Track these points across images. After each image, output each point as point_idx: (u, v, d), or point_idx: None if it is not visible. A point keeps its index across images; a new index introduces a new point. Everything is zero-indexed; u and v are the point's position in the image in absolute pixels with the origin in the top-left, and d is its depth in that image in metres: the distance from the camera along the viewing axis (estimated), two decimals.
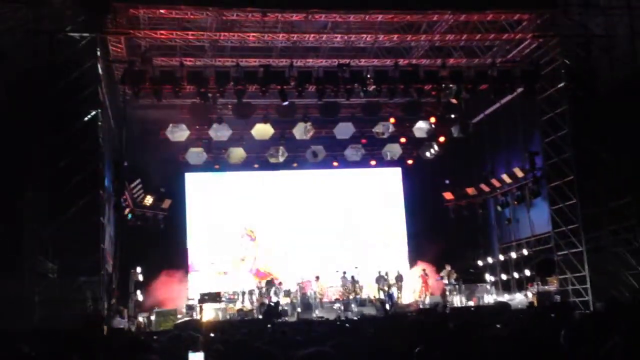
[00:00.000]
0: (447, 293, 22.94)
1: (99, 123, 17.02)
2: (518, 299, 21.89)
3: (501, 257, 25.17)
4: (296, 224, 26.46)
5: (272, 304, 20.52)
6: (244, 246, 25.96)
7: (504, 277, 24.79)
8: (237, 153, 24.68)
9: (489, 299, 22.53)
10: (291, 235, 26.32)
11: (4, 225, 14.97)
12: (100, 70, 17.28)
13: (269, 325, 15.42)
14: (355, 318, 19.04)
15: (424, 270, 24.40)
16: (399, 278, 23.68)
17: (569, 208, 19.53)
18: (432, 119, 24.69)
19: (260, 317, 19.89)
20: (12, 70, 15.79)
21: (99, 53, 17.21)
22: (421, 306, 21.74)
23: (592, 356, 2.39)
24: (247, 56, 20.53)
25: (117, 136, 21.79)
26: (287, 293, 22.38)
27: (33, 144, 15.93)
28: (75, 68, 16.44)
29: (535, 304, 19.49)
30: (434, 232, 25.55)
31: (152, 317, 20.11)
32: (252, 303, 21.88)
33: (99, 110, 17.06)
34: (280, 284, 22.81)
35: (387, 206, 27.59)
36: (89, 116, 16.59)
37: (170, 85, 19.03)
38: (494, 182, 24.35)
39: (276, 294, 22.00)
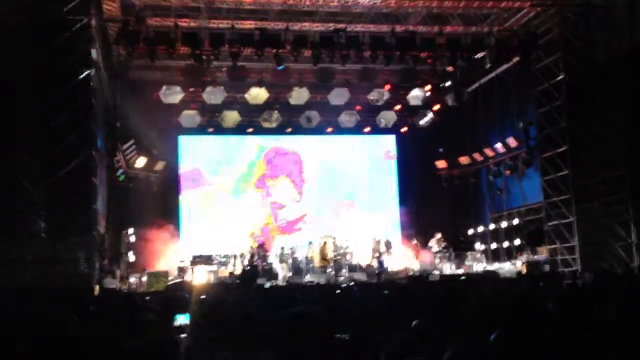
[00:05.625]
0: (437, 261, 23.12)
1: (92, 83, 16.86)
2: (507, 267, 22.06)
3: (492, 226, 25.30)
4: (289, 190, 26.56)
5: (247, 268, 20.56)
6: (235, 210, 25.98)
7: (494, 246, 24.96)
8: (231, 116, 24.53)
9: (478, 267, 22.71)
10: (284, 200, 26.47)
11: None
12: (93, 30, 17.06)
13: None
14: (345, 285, 19.14)
15: (415, 240, 24.54)
16: (388, 245, 23.80)
17: (561, 179, 19.62)
18: (428, 87, 24.61)
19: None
20: (1, 28, 15.54)
21: (92, 11, 16.97)
22: (410, 273, 21.89)
23: (583, 325, 2.41)
24: (242, 18, 20.27)
25: (111, 97, 21.68)
26: (280, 258, 22.45)
27: (26, 103, 15.79)
28: (68, 26, 16.22)
29: (524, 273, 19.69)
30: (426, 200, 25.62)
31: (144, 279, 20.20)
32: (243, 266, 21.96)
33: (92, 70, 16.89)
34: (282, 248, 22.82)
35: (380, 173, 27.61)
36: (82, 76, 16.41)
37: (164, 46, 18.83)
38: (487, 151, 24.33)
39: (266, 258, 22.10)
